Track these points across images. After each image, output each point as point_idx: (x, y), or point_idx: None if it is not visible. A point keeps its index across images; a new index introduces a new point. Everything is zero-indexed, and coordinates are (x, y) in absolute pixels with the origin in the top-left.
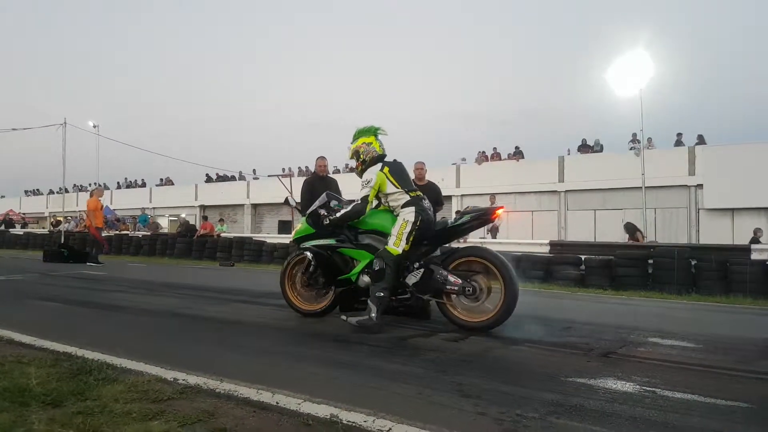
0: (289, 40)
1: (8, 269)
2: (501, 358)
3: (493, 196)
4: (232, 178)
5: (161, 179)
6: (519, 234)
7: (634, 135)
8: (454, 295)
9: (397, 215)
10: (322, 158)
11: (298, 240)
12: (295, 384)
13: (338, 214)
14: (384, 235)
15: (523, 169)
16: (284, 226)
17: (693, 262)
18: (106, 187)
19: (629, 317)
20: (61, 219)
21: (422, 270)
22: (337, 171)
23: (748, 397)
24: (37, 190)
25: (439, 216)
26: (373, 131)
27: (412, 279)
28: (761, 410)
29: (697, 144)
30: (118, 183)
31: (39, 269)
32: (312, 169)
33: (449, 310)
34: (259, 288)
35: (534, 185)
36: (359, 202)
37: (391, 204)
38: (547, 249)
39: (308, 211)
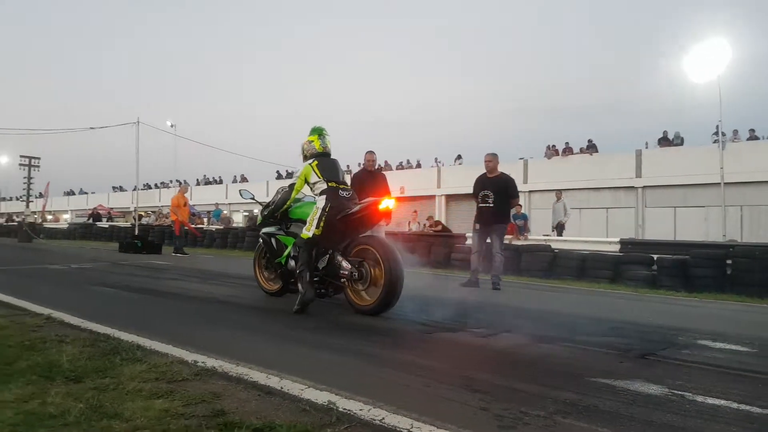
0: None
1: (84, 258)
2: (526, 355)
3: (559, 192)
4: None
5: (235, 176)
6: (593, 232)
7: (718, 127)
8: (345, 280)
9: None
10: (371, 152)
11: (259, 227)
12: (305, 371)
13: (272, 204)
14: (306, 222)
15: (597, 164)
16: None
17: None
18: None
19: (687, 319)
20: (142, 213)
21: (327, 256)
22: (388, 167)
23: None
24: (121, 186)
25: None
26: (317, 131)
27: (321, 264)
28: None
29: None
30: (197, 180)
31: (112, 259)
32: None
33: (347, 293)
34: None
35: (609, 181)
36: (287, 189)
37: (314, 192)
38: (617, 248)
39: (263, 203)
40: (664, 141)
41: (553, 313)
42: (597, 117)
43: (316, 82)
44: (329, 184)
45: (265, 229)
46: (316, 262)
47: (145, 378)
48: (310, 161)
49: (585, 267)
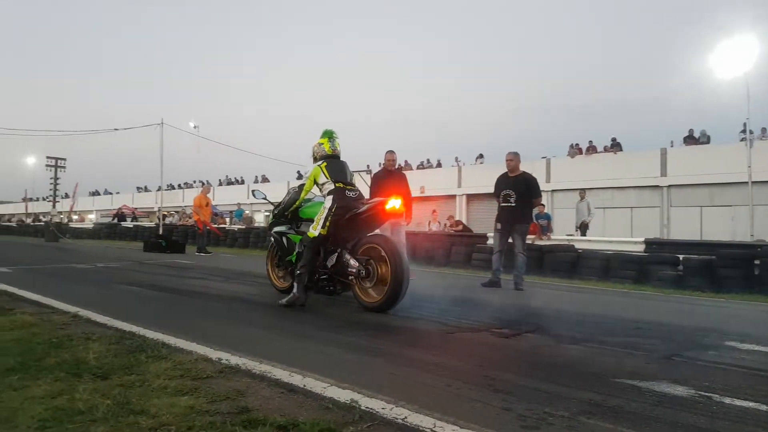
0: (375, 39)
1: (110, 258)
2: (549, 356)
3: (582, 191)
4: None
5: (256, 177)
6: (617, 231)
7: (745, 125)
8: (353, 277)
9: None
10: (391, 152)
11: (270, 227)
12: (327, 369)
13: (282, 204)
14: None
15: (622, 163)
16: None
17: None
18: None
19: (714, 320)
20: (166, 213)
21: (336, 254)
22: (408, 167)
23: None
24: (146, 187)
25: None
26: (327, 134)
27: (330, 262)
28: None
29: None
30: (219, 180)
31: (137, 258)
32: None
33: (355, 290)
34: None
35: (633, 180)
36: (297, 190)
37: (323, 192)
38: (641, 248)
39: (275, 204)
40: (690, 139)
41: (576, 314)
42: (621, 115)
43: (337, 82)
44: (337, 184)
45: (276, 228)
46: (325, 260)
47: (170, 375)
48: (320, 163)
49: (609, 267)
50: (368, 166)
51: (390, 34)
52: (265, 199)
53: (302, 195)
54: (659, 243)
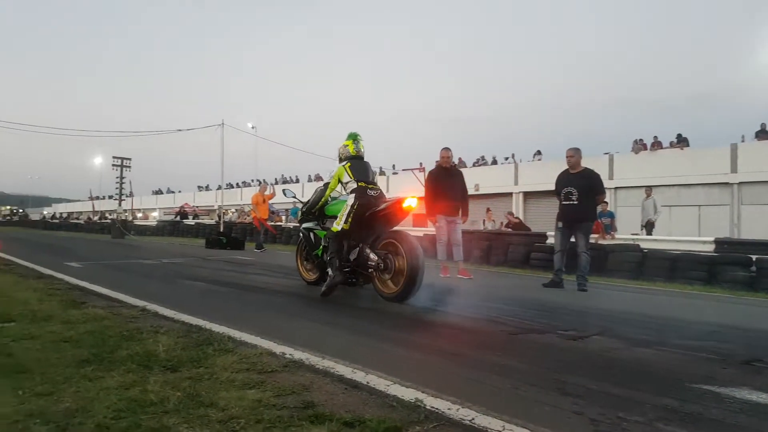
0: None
1: (173, 254)
2: (620, 359)
3: (648, 188)
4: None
5: (310, 176)
6: (683, 230)
7: None
8: (372, 270)
9: None
10: (446, 149)
11: (300, 223)
12: (389, 367)
13: (309, 202)
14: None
15: (689, 159)
16: (418, 219)
17: None
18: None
19: None
20: (225, 211)
21: (357, 249)
22: (462, 164)
23: None
24: (207, 186)
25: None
26: (352, 137)
27: (352, 256)
28: None
29: None
30: (275, 179)
31: (199, 254)
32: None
33: (375, 282)
34: None
35: (701, 176)
36: (322, 189)
37: (346, 190)
38: (711, 247)
39: (303, 202)
40: (762, 134)
41: (645, 316)
42: (688, 110)
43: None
44: (359, 183)
45: (304, 225)
46: (347, 254)
47: (237, 368)
48: (344, 163)
49: (677, 268)
50: (421, 163)
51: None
52: (294, 197)
53: (327, 193)
54: (730, 243)
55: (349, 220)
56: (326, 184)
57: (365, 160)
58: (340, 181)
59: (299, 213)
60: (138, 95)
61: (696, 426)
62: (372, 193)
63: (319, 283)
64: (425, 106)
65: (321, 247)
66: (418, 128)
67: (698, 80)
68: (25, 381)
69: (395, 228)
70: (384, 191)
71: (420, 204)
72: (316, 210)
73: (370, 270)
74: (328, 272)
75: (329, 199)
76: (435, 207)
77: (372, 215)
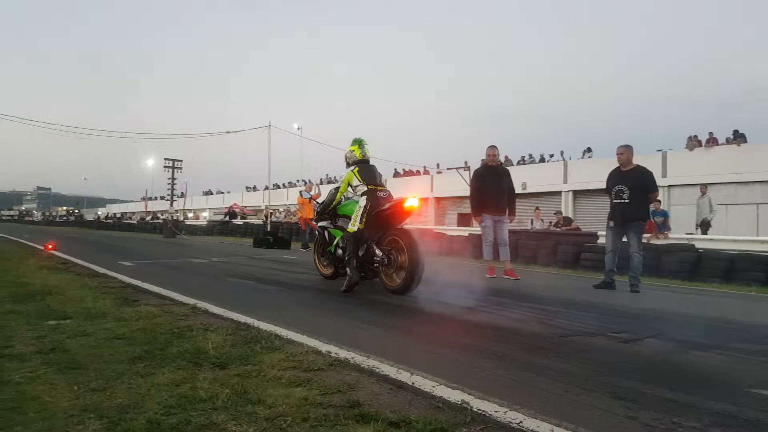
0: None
1: (222, 253)
2: (675, 362)
3: (704, 186)
4: (417, 173)
5: None
6: (740, 230)
7: None
8: (377, 265)
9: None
10: (492, 147)
11: (316, 221)
12: (434, 367)
13: (323, 203)
14: (351, 218)
15: (746, 156)
16: (463, 219)
17: None
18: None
19: None
20: (272, 211)
21: (365, 246)
22: (509, 162)
23: None
24: (254, 186)
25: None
26: (358, 142)
27: (361, 252)
28: None
29: None
30: (320, 179)
31: (247, 253)
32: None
33: (381, 276)
34: (441, 278)
35: (760, 174)
36: (333, 191)
37: (356, 193)
38: None
39: (319, 203)
40: None
41: (701, 318)
42: (744, 105)
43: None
44: (369, 186)
45: (320, 224)
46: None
47: (284, 366)
48: (352, 168)
49: (734, 269)
50: (466, 162)
51: (484, 33)
52: (311, 199)
53: (338, 196)
54: None
55: (364, 219)
56: (337, 188)
57: (371, 163)
58: (349, 184)
59: (315, 213)
60: (202, 96)
61: None
62: (381, 194)
63: (335, 278)
64: (464, 104)
65: (334, 243)
66: (463, 125)
67: (755, 76)
68: (80, 376)
69: (400, 226)
70: (429, 191)
71: (466, 204)
72: (330, 210)
73: (375, 265)
74: (345, 269)
75: (342, 199)
76: (481, 206)
77: (377, 214)
